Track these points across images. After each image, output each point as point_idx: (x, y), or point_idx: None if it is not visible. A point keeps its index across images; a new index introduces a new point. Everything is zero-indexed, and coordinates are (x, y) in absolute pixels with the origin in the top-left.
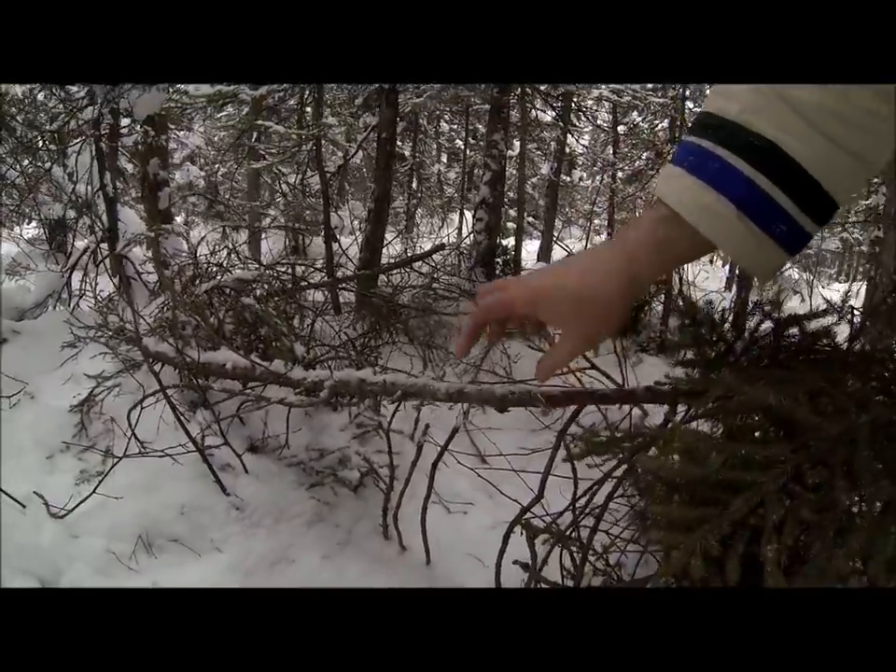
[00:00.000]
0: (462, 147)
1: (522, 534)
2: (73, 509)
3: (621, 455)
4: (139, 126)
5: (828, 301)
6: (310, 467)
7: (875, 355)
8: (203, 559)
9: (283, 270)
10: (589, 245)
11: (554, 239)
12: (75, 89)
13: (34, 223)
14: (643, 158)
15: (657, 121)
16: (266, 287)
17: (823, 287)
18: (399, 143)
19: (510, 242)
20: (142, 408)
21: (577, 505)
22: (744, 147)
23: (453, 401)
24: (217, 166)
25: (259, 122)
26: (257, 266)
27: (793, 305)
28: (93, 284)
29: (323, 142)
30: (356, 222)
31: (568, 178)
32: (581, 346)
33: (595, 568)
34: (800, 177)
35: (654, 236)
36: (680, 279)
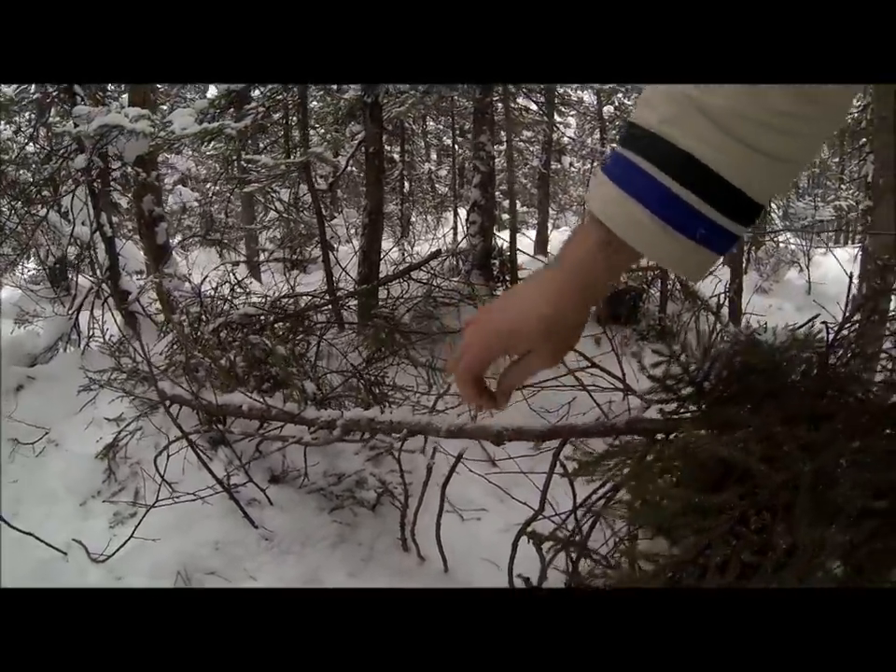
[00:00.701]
0: (450, 143)
1: (529, 541)
2: (113, 553)
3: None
4: (130, 168)
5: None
6: (329, 491)
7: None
8: (240, 587)
9: (286, 300)
10: None
11: (549, 231)
12: (65, 139)
13: (32, 263)
14: None
15: None
16: (271, 318)
17: (825, 252)
18: (387, 147)
19: (504, 243)
20: (168, 455)
21: (577, 514)
22: (663, 158)
23: (453, 437)
24: (209, 185)
25: (246, 156)
26: (262, 297)
27: (792, 276)
28: (101, 325)
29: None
30: (352, 230)
31: (559, 165)
32: (550, 364)
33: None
34: (719, 185)
35: (595, 249)
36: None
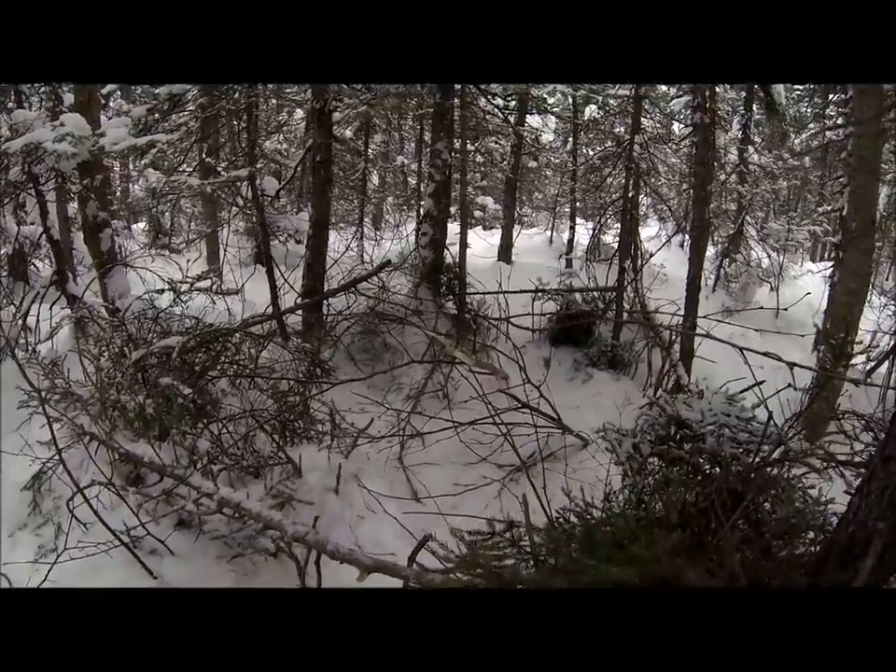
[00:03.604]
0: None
1: None
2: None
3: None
4: (69, 176)
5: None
6: (231, 538)
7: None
8: None
9: (220, 325)
10: (554, 232)
11: (515, 236)
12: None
13: None
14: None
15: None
16: (199, 338)
17: (799, 265)
18: (357, 141)
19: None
20: (73, 505)
21: None
22: None
23: (297, 542)
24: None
25: (171, 178)
26: (195, 319)
27: (762, 296)
28: (35, 348)
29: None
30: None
31: (535, 164)
32: None
33: None
34: None
35: None
36: (636, 290)
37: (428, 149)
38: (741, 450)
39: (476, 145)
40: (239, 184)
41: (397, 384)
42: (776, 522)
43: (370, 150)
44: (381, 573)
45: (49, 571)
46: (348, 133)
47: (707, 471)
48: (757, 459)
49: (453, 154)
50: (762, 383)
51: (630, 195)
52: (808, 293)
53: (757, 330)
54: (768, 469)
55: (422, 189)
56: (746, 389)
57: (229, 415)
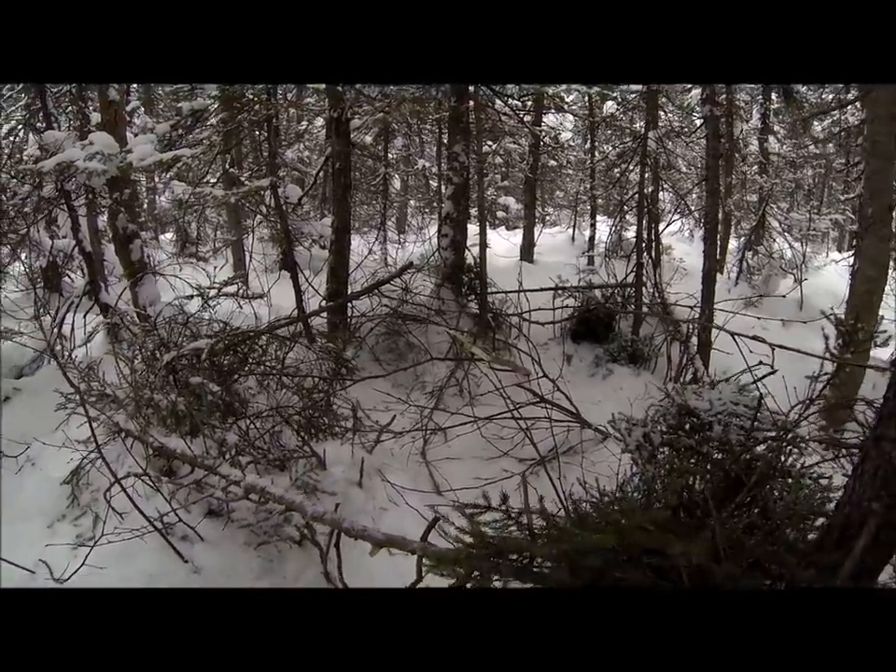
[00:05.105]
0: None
1: None
2: (69, 577)
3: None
4: (99, 191)
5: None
6: (258, 527)
7: None
8: None
9: (246, 328)
10: (576, 230)
11: (537, 235)
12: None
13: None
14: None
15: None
16: (227, 341)
17: (825, 256)
18: (377, 146)
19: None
20: (109, 493)
21: None
22: None
23: (317, 521)
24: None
25: (195, 189)
26: (223, 323)
27: (786, 286)
28: (71, 354)
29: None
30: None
31: (555, 163)
32: None
33: None
34: None
35: None
36: (655, 284)
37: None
38: (748, 438)
39: (494, 146)
40: (262, 193)
41: (420, 382)
42: (781, 507)
43: (390, 155)
44: (391, 547)
45: (87, 556)
46: (368, 139)
47: (716, 459)
48: (763, 447)
49: (470, 156)
50: (774, 372)
51: (650, 190)
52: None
53: (779, 321)
54: (771, 455)
55: (442, 191)
56: (758, 379)
57: (256, 412)
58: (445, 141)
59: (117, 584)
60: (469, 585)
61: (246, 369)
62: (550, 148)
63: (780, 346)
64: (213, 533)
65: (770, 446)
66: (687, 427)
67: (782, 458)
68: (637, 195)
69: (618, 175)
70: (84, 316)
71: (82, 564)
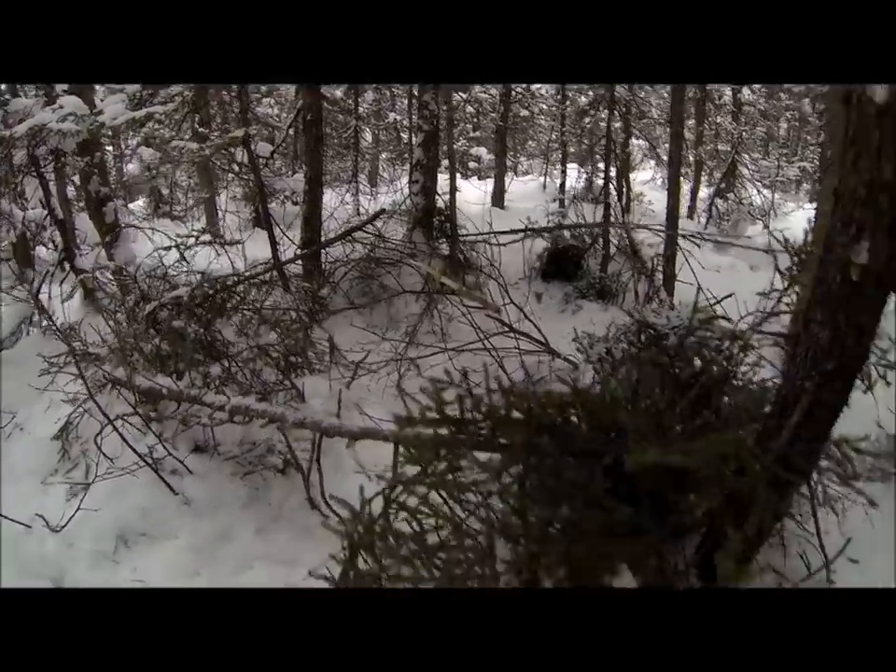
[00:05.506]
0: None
1: None
2: (66, 524)
3: None
4: (70, 156)
5: None
6: (243, 458)
7: None
8: (165, 545)
9: (225, 278)
10: (548, 178)
11: (508, 182)
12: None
13: None
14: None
15: None
16: (206, 289)
17: (797, 205)
18: (347, 100)
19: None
20: (100, 438)
21: None
22: None
23: (299, 427)
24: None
25: (173, 142)
26: (200, 274)
27: (754, 232)
28: (51, 316)
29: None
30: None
31: (527, 112)
32: None
33: None
34: None
35: None
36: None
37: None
38: (702, 347)
39: (466, 95)
40: (234, 150)
41: (394, 322)
42: (732, 408)
43: (361, 109)
44: (366, 438)
45: (81, 500)
46: (338, 93)
47: (672, 369)
48: (714, 354)
49: (440, 105)
50: (730, 295)
51: (623, 139)
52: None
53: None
54: (724, 360)
55: (413, 142)
56: (717, 301)
57: (237, 352)
58: (416, 93)
59: (111, 523)
60: (440, 466)
61: (226, 315)
62: (521, 97)
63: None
64: (200, 466)
65: (722, 353)
66: (645, 340)
67: (732, 365)
68: (604, 140)
69: (588, 123)
70: (60, 285)
71: (77, 509)
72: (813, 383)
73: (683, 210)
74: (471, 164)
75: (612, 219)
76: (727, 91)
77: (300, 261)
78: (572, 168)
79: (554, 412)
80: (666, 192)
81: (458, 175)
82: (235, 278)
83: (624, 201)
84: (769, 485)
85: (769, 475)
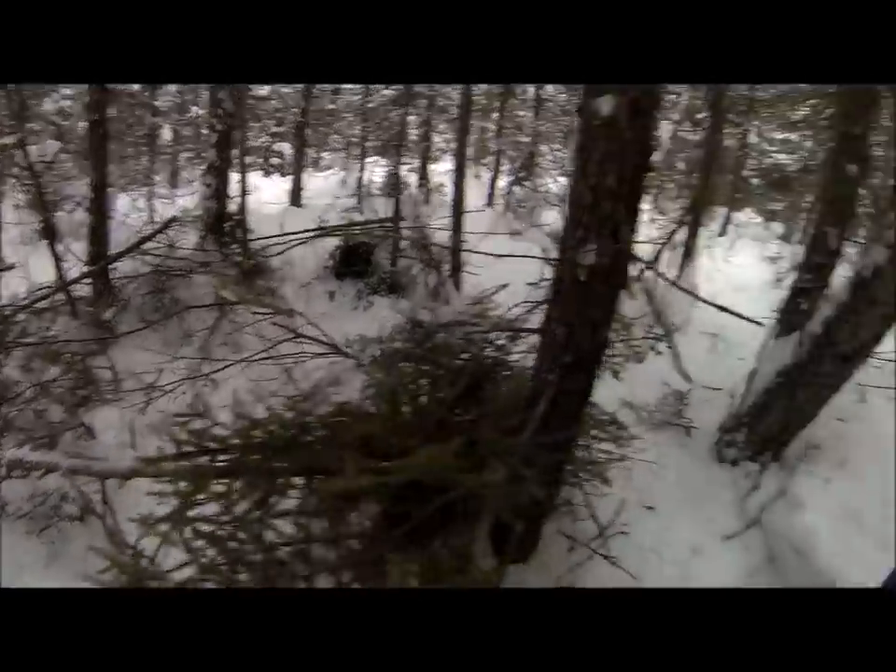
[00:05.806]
0: None
1: None
2: None
3: None
4: None
5: None
6: (36, 512)
7: None
8: None
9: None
10: (350, 173)
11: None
12: None
13: None
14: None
15: None
16: None
17: None
18: (144, 93)
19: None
20: None
21: None
22: None
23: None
24: None
25: None
26: None
27: (551, 218)
28: None
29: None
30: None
31: (333, 106)
32: None
33: None
34: None
35: None
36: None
37: None
38: (469, 342)
39: (266, 90)
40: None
41: (188, 337)
42: (504, 398)
43: (160, 103)
44: (138, 476)
45: None
46: (135, 86)
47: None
48: (486, 345)
49: (235, 102)
50: (506, 286)
51: (424, 132)
52: None
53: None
54: (491, 352)
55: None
56: (494, 292)
57: (17, 393)
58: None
59: None
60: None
61: (5, 351)
62: (325, 92)
63: (508, 255)
64: None
65: (492, 344)
66: (418, 337)
67: (504, 354)
68: (397, 135)
69: (392, 118)
70: None
71: None
72: (556, 375)
73: (483, 199)
74: (274, 160)
75: (405, 213)
76: (530, 88)
77: (86, 280)
78: (372, 162)
79: (283, 432)
80: (481, 190)
81: (261, 173)
82: (12, 307)
83: (426, 193)
84: (511, 479)
85: (509, 471)
